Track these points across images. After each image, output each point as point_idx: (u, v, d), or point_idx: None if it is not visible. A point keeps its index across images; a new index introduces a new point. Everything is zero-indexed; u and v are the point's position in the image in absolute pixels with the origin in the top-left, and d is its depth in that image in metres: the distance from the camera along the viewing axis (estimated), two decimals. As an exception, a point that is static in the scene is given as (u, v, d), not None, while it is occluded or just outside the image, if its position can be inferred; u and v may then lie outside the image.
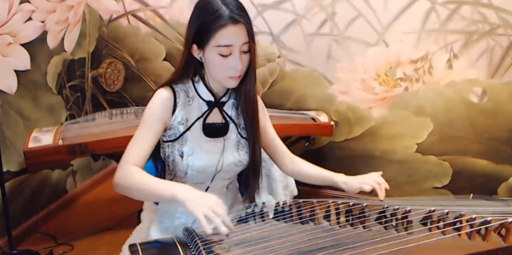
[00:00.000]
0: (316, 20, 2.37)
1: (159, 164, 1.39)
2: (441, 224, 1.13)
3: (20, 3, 2.09)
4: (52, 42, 2.35)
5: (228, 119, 1.34)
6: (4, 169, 1.98)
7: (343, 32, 2.36)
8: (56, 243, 2.21)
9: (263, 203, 1.25)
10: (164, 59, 2.70)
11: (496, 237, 1.10)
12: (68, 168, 2.59)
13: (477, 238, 1.09)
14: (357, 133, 2.50)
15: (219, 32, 1.17)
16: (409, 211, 1.16)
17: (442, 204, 1.29)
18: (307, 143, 2.40)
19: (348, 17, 2.32)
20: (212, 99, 1.31)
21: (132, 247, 1.06)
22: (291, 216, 1.19)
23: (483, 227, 1.09)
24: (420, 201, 1.33)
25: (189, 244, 1.05)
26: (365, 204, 1.19)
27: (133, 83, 2.81)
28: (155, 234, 1.38)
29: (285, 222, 1.18)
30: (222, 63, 1.20)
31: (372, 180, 1.34)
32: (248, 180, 1.38)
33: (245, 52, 1.21)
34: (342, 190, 1.37)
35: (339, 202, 1.23)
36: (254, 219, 1.19)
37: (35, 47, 2.23)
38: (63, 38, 2.44)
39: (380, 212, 1.18)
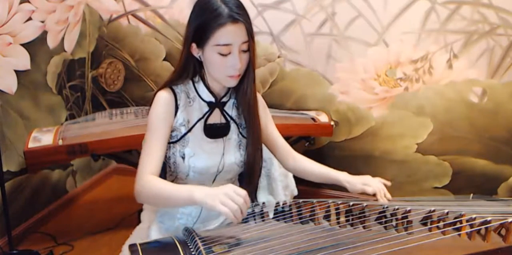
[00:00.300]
0: (316, 20, 2.37)
1: None
2: (441, 224, 1.13)
3: (20, 3, 2.09)
4: (52, 42, 2.35)
5: (229, 119, 1.34)
6: (4, 169, 1.98)
7: (343, 32, 2.36)
8: (56, 243, 2.21)
9: (263, 203, 1.25)
10: (164, 59, 2.70)
11: (496, 237, 1.10)
12: (68, 168, 2.59)
13: (477, 238, 1.09)
14: (357, 133, 2.50)
15: (218, 31, 1.16)
16: (409, 211, 1.16)
17: (442, 204, 1.29)
18: (307, 143, 2.40)
19: (348, 17, 2.32)
20: (212, 99, 1.31)
21: (132, 247, 1.06)
22: (291, 216, 1.19)
23: (483, 227, 1.09)
24: (420, 201, 1.33)
25: (189, 244, 1.05)
26: (365, 204, 1.19)
27: (133, 83, 2.81)
28: (155, 234, 1.38)
29: (285, 222, 1.18)
30: (222, 62, 1.19)
31: (376, 184, 1.33)
32: (248, 180, 1.37)
33: (244, 51, 1.21)
34: (344, 189, 1.37)
35: (339, 202, 1.23)
36: (254, 219, 1.19)
37: (35, 47, 2.23)
38: (63, 38, 2.44)
39: (380, 212, 1.18)
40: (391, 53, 2.33)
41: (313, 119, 2.37)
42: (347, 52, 2.38)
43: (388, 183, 1.37)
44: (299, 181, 1.93)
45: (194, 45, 1.23)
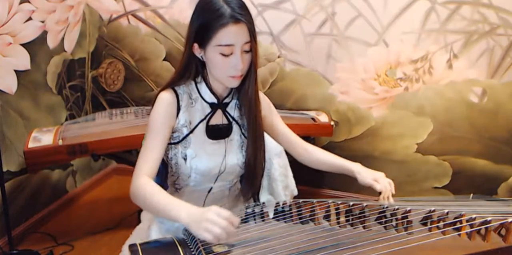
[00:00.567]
0: (316, 20, 2.37)
1: (160, 165, 1.38)
2: (441, 224, 1.13)
3: (20, 3, 2.09)
4: (52, 42, 2.35)
5: (231, 120, 1.33)
6: (4, 169, 1.99)
7: (343, 32, 2.36)
8: (56, 243, 2.21)
9: (263, 203, 1.25)
10: (164, 59, 2.70)
11: (496, 237, 1.10)
12: (68, 168, 2.59)
13: (477, 238, 1.09)
14: (357, 133, 2.50)
15: (220, 32, 1.15)
16: (409, 211, 1.16)
17: (442, 204, 1.29)
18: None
19: (348, 17, 2.32)
20: (215, 100, 1.30)
21: (132, 247, 1.06)
22: (291, 216, 1.19)
23: (483, 227, 1.09)
24: (420, 201, 1.33)
25: (189, 244, 1.05)
26: (365, 204, 1.19)
27: (133, 83, 2.81)
28: (155, 234, 1.38)
29: (285, 222, 1.18)
30: (223, 63, 1.19)
31: (385, 183, 1.32)
32: (250, 181, 1.37)
33: (246, 52, 1.20)
34: (343, 189, 1.37)
35: (339, 202, 1.23)
36: (254, 219, 1.19)
37: (35, 47, 2.23)
38: (63, 38, 2.44)
39: (380, 212, 1.18)
40: (391, 53, 2.33)
41: (313, 119, 2.37)
42: (347, 52, 2.38)
43: (393, 192, 1.36)
44: (299, 181, 1.93)
45: (196, 45, 1.22)
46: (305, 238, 1.06)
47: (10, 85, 2.11)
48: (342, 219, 1.17)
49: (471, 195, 1.60)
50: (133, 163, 2.51)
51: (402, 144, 2.44)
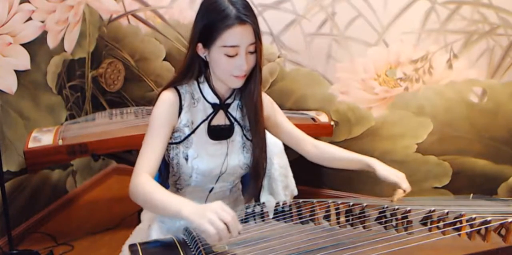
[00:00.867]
0: (316, 20, 2.37)
1: (162, 165, 1.38)
2: (441, 224, 1.13)
3: (20, 3, 2.09)
4: (52, 42, 2.35)
5: (233, 121, 1.33)
6: (4, 169, 1.99)
7: (343, 32, 2.36)
8: (56, 243, 2.21)
9: (263, 203, 1.25)
10: (164, 59, 2.70)
11: (496, 237, 1.10)
12: (68, 168, 2.59)
13: (477, 238, 1.09)
14: (357, 133, 2.50)
15: (225, 33, 1.14)
16: (409, 211, 1.16)
17: (442, 204, 1.29)
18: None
19: (348, 17, 2.32)
20: (217, 101, 1.30)
21: (132, 247, 1.06)
22: (291, 216, 1.19)
23: (483, 227, 1.09)
24: (420, 201, 1.33)
25: (189, 244, 1.05)
26: (365, 204, 1.18)
27: (133, 83, 2.81)
28: (156, 234, 1.38)
29: (285, 222, 1.18)
30: (228, 63, 1.18)
31: (407, 183, 1.30)
32: (253, 183, 1.37)
33: (251, 53, 1.19)
34: (344, 189, 1.37)
35: (339, 202, 1.22)
36: (254, 219, 1.19)
37: (35, 47, 2.23)
38: (63, 38, 2.44)
39: (380, 212, 1.18)
40: (391, 53, 2.33)
41: (313, 119, 2.37)
42: (347, 52, 2.38)
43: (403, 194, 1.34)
44: (299, 181, 1.93)
45: (200, 45, 1.21)
46: (305, 238, 1.06)
47: (10, 85, 2.11)
48: (342, 219, 1.17)
49: (471, 195, 1.59)
50: (133, 163, 2.51)
51: (402, 144, 2.44)
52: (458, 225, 1.11)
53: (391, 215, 1.17)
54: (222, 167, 1.31)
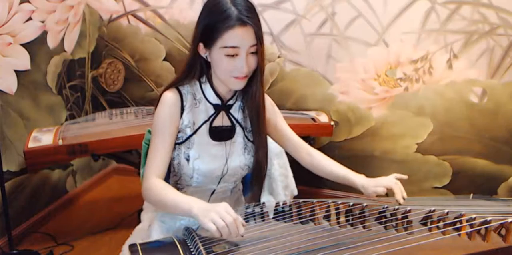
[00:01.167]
0: (316, 20, 2.37)
1: None
2: (441, 224, 1.13)
3: (20, 3, 2.09)
4: (52, 42, 2.35)
5: (234, 122, 1.33)
6: (4, 169, 1.98)
7: (343, 32, 2.36)
8: (56, 243, 2.21)
9: (263, 203, 1.25)
10: (164, 59, 2.70)
11: (496, 237, 1.10)
12: (68, 168, 2.59)
13: (477, 238, 1.09)
14: (357, 133, 2.50)
15: (226, 33, 1.14)
16: (409, 211, 1.17)
17: (442, 204, 1.29)
18: (307, 143, 2.40)
19: (348, 17, 2.32)
20: (219, 102, 1.30)
21: (132, 247, 1.06)
22: (291, 216, 1.19)
23: (483, 227, 1.09)
24: (420, 201, 1.33)
25: (189, 244, 1.06)
26: (365, 204, 1.19)
27: (133, 83, 2.81)
28: (156, 234, 1.37)
29: (285, 222, 1.18)
30: (228, 64, 1.18)
31: (388, 183, 1.30)
32: (255, 184, 1.37)
33: (252, 55, 1.19)
34: (343, 189, 1.37)
35: (339, 202, 1.23)
36: (254, 219, 1.19)
37: (35, 47, 2.23)
38: (63, 38, 2.44)
39: (380, 212, 1.18)
40: (391, 53, 2.33)
41: (313, 119, 2.37)
42: (347, 52, 2.38)
43: (405, 177, 1.35)
44: (299, 181, 1.93)
45: (201, 45, 1.21)
46: (305, 238, 1.06)
47: (10, 85, 2.11)
48: (342, 219, 1.18)
49: (471, 195, 1.60)
50: (133, 163, 2.53)
51: (402, 144, 2.44)
52: (458, 225, 1.12)
53: (391, 215, 1.17)
54: (223, 168, 1.31)
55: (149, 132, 1.40)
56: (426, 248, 1.04)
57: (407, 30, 2.27)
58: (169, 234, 1.33)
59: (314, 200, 1.21)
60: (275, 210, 1.23)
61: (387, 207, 1.18)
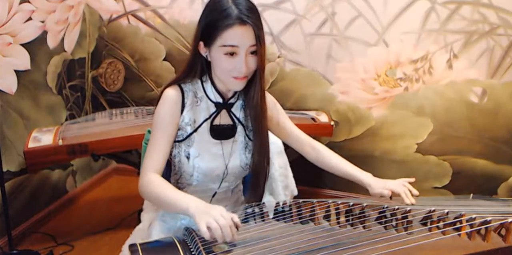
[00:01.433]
0: (316, 20, 2.37)
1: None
2: (441, 224, 1.13)
3: (20, 3, 2.09)
4: (52, 42, 2.35)
5: (236, 121, 1.33)
6: (4, 169, 1.98)
7: (343, 32, 2.36)
8: (56, 243, 2.21)
9: (263, 203, 1.25)
10: (164, 59, 2.70)
11: (496, 237, 1.10)
12: (68, 168, 2.59)
13: (477, 238, 1.09)
14: (357, 133, 2.50)
15: (225, 32, 1.15)
16: (409, 211, 1.17)
17: (442, 204, 1.29)
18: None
19: (348, 17, 2.32)
20: (220, 100, 1.30)
21: (132, 247, 1.06)
22: (291, 216, 1.19)
23: (483, 227, 1.09)
24: (420, 201, 1.33)
25: (189, 244, 1.06)
26: (365, 204, 1.19)
27: (133, 83, 2.81)
28: (156, 233, 1.37)
29: (285, 222, 1.18)
30: (227, 63, 1.18)
31: (396, 187, 1.30)
32: (254, 185, 1.36)
33: (252, 55, 1.19)
34: (343, 189, 1.37)
35: (339, 202, 1.23)
36: (254, 219, 1.19)
37: (35, 47, 2.23)
38: (63, 38, 2.44)
39: (380, 212, 1.18)
40: (391, 53, 2.33)
41: (313, 119, 2.37)
42: (347, 52, 2.38)
43: (412, 180, 1.35)
44: (299, 181, 1.93)
45: (201, 44, 1.22)
46: (305, 238, 1.06)
47: (10, 85, 2.11)
48: (342, 219, 1.18)
49: (471, 195, 1.60)
50: (133, 163, 2.52)
51: (402, 144, 2.44)
52: (458, 225, 1.12)
53: (391, 215, 1.17)
54: (224, 167, 1.31)
55: (149, 132, 1.40)
56: (426, 248, 1.04)
57: (407, 30, 2.27)
58: (170, 233, 1.33)
59: (314, 200, 1.21)
60: (275, 210, 1.23)
61: (387, 207, 1.18)
